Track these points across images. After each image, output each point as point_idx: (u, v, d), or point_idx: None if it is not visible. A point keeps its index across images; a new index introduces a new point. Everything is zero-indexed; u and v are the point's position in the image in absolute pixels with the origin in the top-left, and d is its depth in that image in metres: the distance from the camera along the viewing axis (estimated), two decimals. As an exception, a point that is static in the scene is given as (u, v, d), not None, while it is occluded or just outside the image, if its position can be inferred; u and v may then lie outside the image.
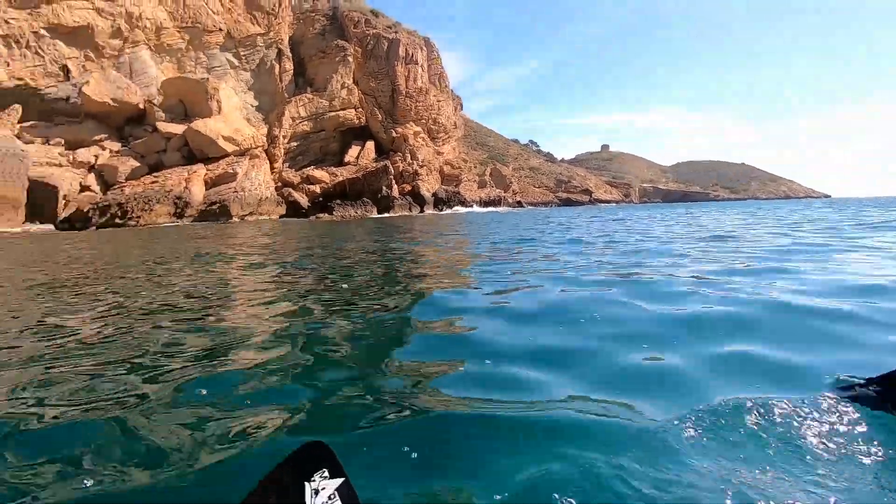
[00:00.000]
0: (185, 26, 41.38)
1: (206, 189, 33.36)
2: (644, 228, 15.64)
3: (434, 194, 53.25)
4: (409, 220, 29.79)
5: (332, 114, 49.71)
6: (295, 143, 47.98)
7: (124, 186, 30.88)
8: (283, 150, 46.26)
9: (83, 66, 36.29)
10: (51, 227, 26.43)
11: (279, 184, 43.43)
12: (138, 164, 32.94)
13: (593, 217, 28.42)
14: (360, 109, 52.03)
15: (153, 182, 31.62)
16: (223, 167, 34.96)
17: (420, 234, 16.18)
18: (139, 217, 28.35)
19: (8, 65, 33.32)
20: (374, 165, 48.21)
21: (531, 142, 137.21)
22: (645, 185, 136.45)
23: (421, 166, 53.26)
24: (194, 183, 32.47)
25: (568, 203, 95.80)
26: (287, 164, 47.10)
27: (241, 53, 45.47)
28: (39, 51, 34.45)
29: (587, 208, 73.20)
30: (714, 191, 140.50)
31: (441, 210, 51.07)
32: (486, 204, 66.54)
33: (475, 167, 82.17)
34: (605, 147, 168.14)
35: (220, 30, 43.34)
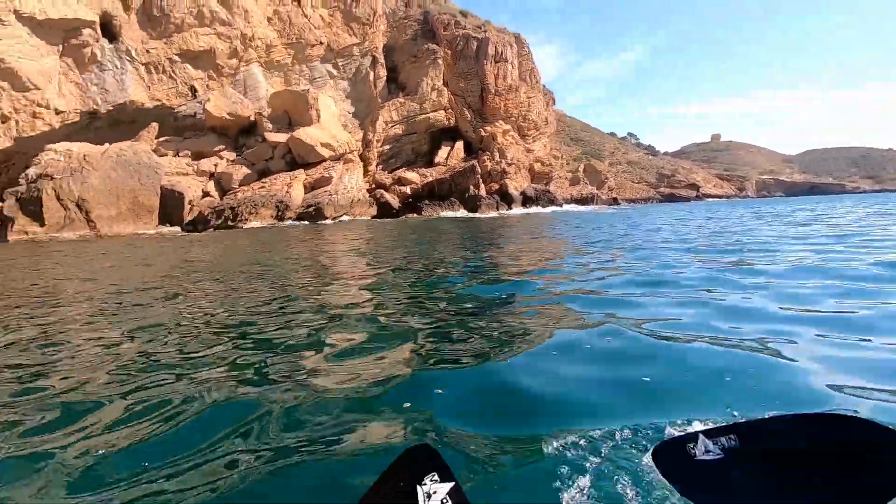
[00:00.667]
0: (291, 42, 44.89)
1: (305, 193, 36.08)
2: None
3: (522, 192, 52.50)
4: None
5: (423, 116, 50.99)
6: (388, 146, 50.00)
7: (237, 192, 34.42)
8: (376, 154, 48.44)
9: (207, 85, 40.91)
10: (178, 229, 30.22)
11: (373, 185, 45.54)
12: (249, 171, 36.48)
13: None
14: (450, 110, 52.78)
15: (261, 187, 34.88)
16: (320, 172, 37.54)
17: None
18: (247, 219, 31.45)
19: (149, 88, 38.59)
20: (462, 165, 48.71)
21: (630, 134, 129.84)
22: (764, 176, 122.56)
23: (509, 164, 52.75)
24: (294, 187, 35.28)
25: (671, 199, 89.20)
26: (380, 167, 49.26)
27: (339, 63, 48.28)
28: (173, 74, 39.40)
29: (694, 204, 67.59)
30: (851, 181, 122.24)
31: (527, 207, 50.24)
32: (577, 202, 64.16)
33: (568, 163, 79.60)
34: (715, 137, 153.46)
35: (321, 43, 46.40)
